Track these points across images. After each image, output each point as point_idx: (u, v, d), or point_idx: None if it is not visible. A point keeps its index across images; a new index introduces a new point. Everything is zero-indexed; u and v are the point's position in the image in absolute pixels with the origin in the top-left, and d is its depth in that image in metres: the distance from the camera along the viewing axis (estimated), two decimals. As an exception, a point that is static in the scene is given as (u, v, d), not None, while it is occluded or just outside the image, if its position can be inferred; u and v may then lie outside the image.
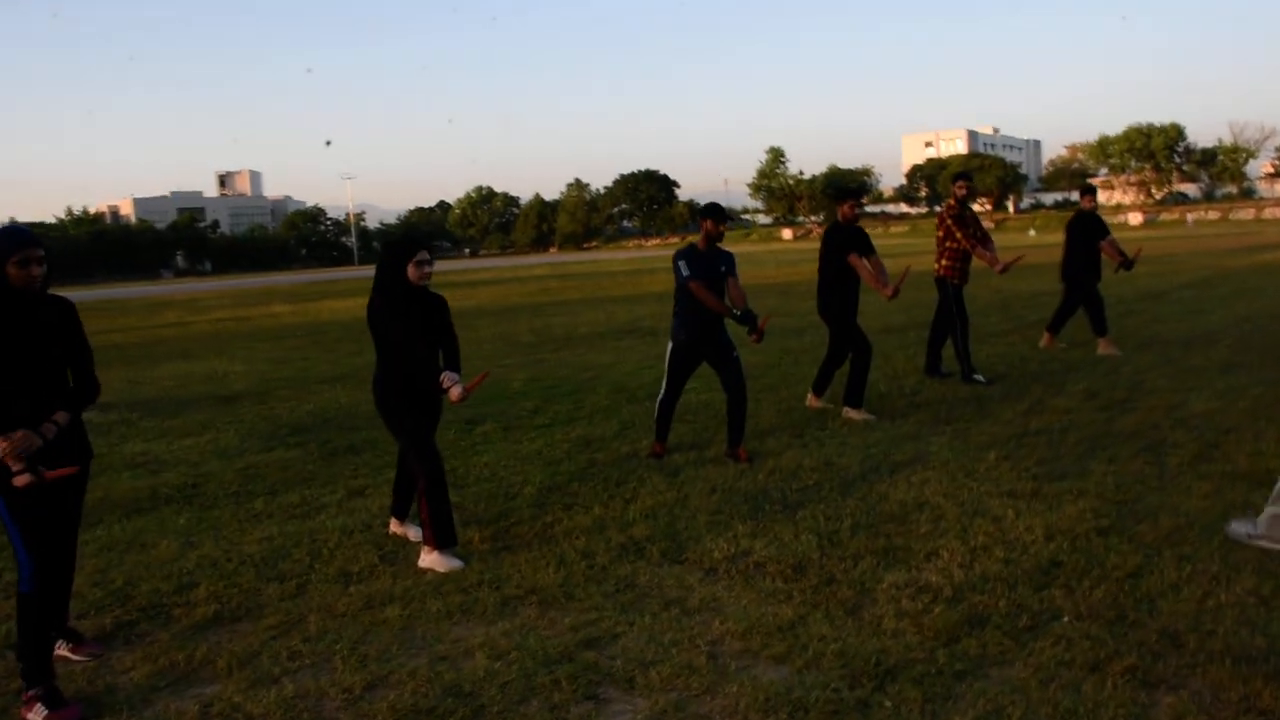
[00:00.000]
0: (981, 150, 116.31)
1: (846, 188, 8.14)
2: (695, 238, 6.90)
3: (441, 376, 4.92)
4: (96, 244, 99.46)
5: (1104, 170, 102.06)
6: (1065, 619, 3.88)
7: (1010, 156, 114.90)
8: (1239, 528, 5.01)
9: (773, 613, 4.11)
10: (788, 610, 4.13)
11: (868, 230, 7.77)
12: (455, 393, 4.89)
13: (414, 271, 5.02)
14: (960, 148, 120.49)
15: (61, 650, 4.18)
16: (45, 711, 3.62)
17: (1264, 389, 8.08)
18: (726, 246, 6.89)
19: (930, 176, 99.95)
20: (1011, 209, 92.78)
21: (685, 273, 6.65)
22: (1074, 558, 4.51)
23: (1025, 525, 4.97)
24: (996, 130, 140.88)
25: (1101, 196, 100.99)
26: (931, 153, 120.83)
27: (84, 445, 4.02)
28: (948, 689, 3.40)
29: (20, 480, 3.54)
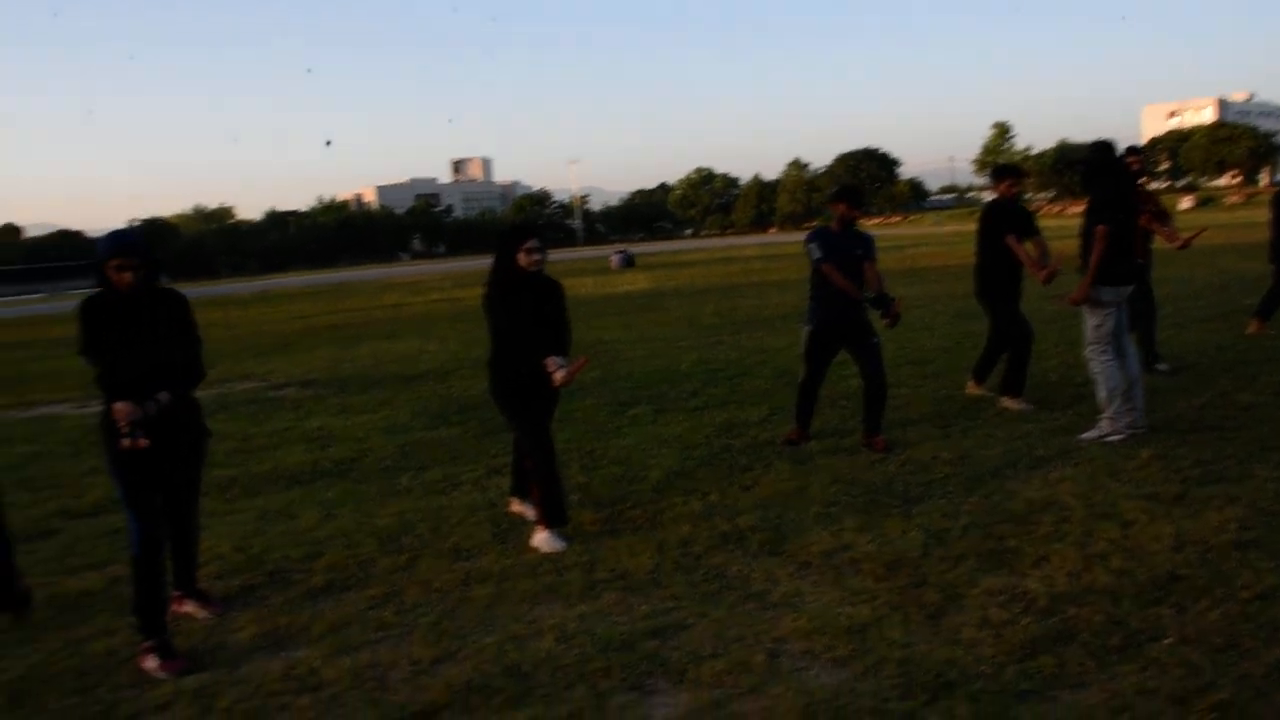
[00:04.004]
0: (1233, 119, 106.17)
1: (1005, 165, 7.64)
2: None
3: (546, 361, 5.00)
4: (342, 230, 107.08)
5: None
6: (1166, 641, 3.51)
7: (1266, 125, 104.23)
8: (1087, 435, 6.36)
9: (849, 613, 3.95)
10: (866, 611, 3.96)
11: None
12: (558, 377, 4.97)
13: (524, 258, 5.12)
14: (1209, 117, 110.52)
15: (189, 608, 4.56)
16: (157, 661, 3.97)
17: None
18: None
19: (1172, 149, 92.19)
20: (1264, 182, 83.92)
21: (818, 254, 6.47)
22: (1199, 572, 4.06)
23: (1154, 533, 4.52)
24: (1251, 96, 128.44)
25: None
26: (1175, 123, 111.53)
27: (196, 424, 4.35)
28: (1003, 710, 3.15)
29: (124, 444, 3.89)
